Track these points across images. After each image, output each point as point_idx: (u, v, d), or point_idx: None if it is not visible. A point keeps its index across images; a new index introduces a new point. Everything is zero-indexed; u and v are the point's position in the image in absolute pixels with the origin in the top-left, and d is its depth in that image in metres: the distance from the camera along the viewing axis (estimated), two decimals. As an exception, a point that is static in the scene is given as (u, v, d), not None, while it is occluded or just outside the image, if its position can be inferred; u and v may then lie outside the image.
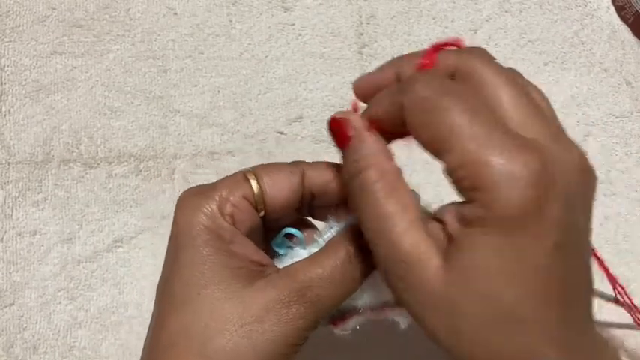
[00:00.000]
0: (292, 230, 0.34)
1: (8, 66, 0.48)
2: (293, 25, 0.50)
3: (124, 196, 0.46)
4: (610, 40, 0.52)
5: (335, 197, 0.33)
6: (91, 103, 0.48)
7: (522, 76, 0.29)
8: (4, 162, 0.46)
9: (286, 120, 0.48)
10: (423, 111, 0.25)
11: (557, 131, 0.27)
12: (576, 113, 0.50)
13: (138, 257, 0.45)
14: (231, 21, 0.50)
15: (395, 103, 0.27)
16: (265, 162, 0.47)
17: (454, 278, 0.24)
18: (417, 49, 0.50)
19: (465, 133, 0.24)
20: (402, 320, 0.32)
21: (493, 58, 0.28)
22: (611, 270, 0.47)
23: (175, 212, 0.31)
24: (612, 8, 0.52)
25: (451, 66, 0.27)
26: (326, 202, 0.33)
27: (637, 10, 0.50)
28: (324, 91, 0.49)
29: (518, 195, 0.22)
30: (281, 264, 0.32)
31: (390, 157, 0.29)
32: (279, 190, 0.32)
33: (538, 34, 0.51)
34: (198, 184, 0.47)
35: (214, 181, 0.33)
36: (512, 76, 0.27)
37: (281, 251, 0.34)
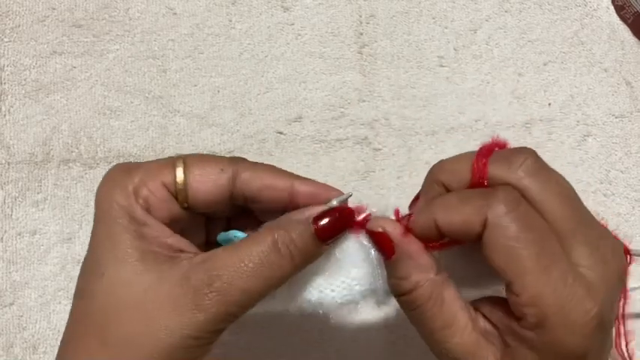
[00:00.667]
0: (237, 233, 0.32)
1: (8, 66, 0.48)
2: (293, 24, 0.50)
3: (123, 196, 0.46)
4: (610, 40, 0.52)
5: (271, 205, 0.32)
6: (91, 103, 0.48)
7: (563, 180, 0.30)
8: (3, 162, 0.46)
9: (286, 120, 0.48)
10: (506, 238, 0.27)
11: (604, 251, 0.29)
12: (576, 113, 0.50)
13: (137, 257, 0.45)
14: (230, 21, 0.50)
15: (478, 217, 0.27)
16: (265, 162, 0.48)
17: None
18: (417, 49, 0.50)
19: (540, 280, 0.26)
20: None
21: (540, 168, 0.29)
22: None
23: (99, 185, 0.31)
24: (612, 8, 0.52)
25: (501, 182, 0.29)
26: (262, 208, 0.32)
27: (637, 10, 0.50)
28: (324, 91, 0.49)
29: (576, 340, 0.26)
30: None
31: (434, 266, 0.29)
32: (205, 185, 0.31)
33: (538, 34, 0.51)
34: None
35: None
36: (559, 188, 0.29)
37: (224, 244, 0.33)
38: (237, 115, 0.48)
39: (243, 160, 0.32)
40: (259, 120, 0.48)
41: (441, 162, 0.31)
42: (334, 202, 0.31)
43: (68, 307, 0.44)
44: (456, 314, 0.28)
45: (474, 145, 0.48)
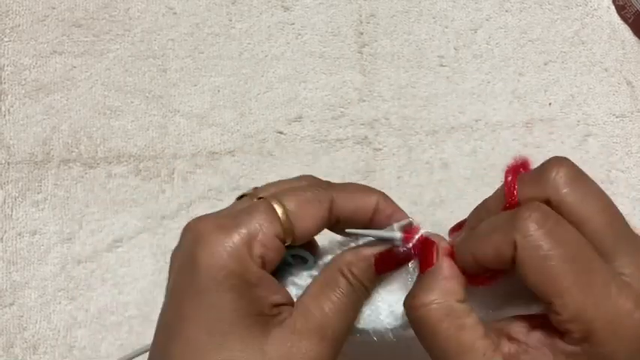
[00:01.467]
0: (302, 252, 0.32)
1: (8, 65, 0.48)
2: (293, 24, 0.50)
3: (123, 195, 0.46)
4: (610, 40, 0.52)
5: (358, 223, 0.31)
6: (91, 103, 0.47)
7: (597, 188, 0.29)
8: (3, 162, 0.46)
9: (286, 120, 0.48)
10: (538, 258, 0.26)
11: None
12: (576, 113, 0.50)
13: (137, 257, 0.45)
14: (230, 20, 0.50)
15: (507, 242, 0.27)
16: (265, 162, 0.48)
17: None
18: (417, 49, 0.50)
19: (581, 297, 0.25)
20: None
21: (575, 177, 0.28)
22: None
23: (195, 246, 0.28)
24: (613, 8, 0.52)
25: (535, 198, 0.28)
26: (349, 226, 0.32)
27: (637, 10, 0.50)
28: (324, 91, 0.49)
29: (626, 354, 0.25)
30: (279, 276, 0.31)
31: (458, 294, 0.28)
32: (309, 221, 0.30)
33: (538, 34, 0.51)
34: (198, 184, 0.47)
35: (228, 205, 0.31)
36: (597, 197, 0.28)
37: (292, 260, 0.32)
38: (238, 115, 0.48)
39: (332, 185, 0.32)
40: (259, 120, 0.48)
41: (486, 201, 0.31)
42: (395, 227, 0.31)
43: (68, 307, 0.44)
44: (475, 342, 0.27)
45: (474, 146, 0.49)
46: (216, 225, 0.28)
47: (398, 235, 0.30)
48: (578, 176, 0.28)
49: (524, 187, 0.28)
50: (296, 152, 0.48)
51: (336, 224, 0.31)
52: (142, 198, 0.46)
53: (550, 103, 0.50)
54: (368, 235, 0.31)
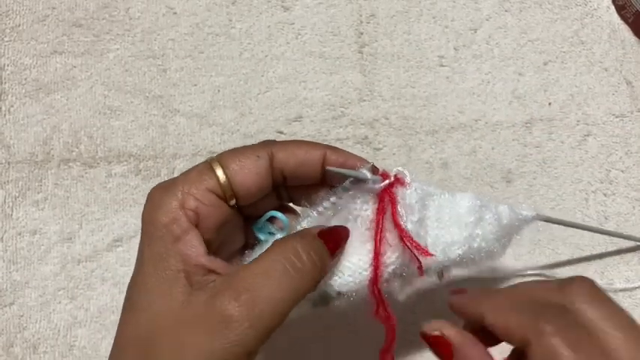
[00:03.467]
0: (277, 214, 0.33)
1: (8, 65, 0.48)
2: (293, 24, 0.50)
3: (123, 195, 0.46)
4: (610, 40, 0.52)
5: (307, 178, 0.32)
6: (91, 103, 0.48)
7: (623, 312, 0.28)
8: (3, 161, 0.46)
9: (286, 119, 0.48)
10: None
11: None
12: (576, 113, 0.50)
13: (138, 257, 0.45)
14: (230, 20, 0.50)
15: (522, 328, 0.27)
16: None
17: None
18: (417, 49, 0.50)
19: None
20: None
21: (596, 296, 0.28)
22: (612, 269, 0.47)
23: (143, 208, 0.31)
24: (612, 7, 0.52)
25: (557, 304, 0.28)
26: (299, 183, 0.33)
27: (637, 10, 0.50)
28: (324, 91, 0.49)
29: None
30: (261, 250, 0.31)
31: None
32: (247, 175, 0.31)
33: (538, 34, 0.51)
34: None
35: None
36: (622, 320, 0.27)
37: (262, 236, 0.33)
38: (238, 115, 0.48)
39: (273, 141, 0.33)
40: (259, 119, 0.48)
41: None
42: (364, 171, 0.31)
43: (68, 307, 0.44)
44: None
45: (474, 145, 0.49)
46: (159, 186, 0.31)
47: (367, 173, 0.31)
48: (602, 296, 0.28)
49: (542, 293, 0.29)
50: (296, 152, 0.48)
51: (284, 180, 0.32)
52: (142, 198, 0.46)
53: (550, 103, 0.50)
54: (341, 174, 0.31)
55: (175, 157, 0.47)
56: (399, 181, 0.32)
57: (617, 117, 0.50)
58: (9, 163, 0.46)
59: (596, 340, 0.26)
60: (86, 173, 0.46)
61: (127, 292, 0.30)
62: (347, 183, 0.31)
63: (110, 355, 0.29)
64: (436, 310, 0.41)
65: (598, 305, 0.27)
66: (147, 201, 0.31)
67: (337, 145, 0.48)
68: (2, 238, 0.45)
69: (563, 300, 0.27)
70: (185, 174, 0.31)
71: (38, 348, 0.44)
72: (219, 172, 0.30)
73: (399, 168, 0.32)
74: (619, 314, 0.27)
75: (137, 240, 0.45)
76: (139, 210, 0.46)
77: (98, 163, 0.47)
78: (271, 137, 0.48)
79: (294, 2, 0.51)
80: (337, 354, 0.45)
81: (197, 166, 0.31)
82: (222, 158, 0.31)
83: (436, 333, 0.29)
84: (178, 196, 0.30)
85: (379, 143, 0.48)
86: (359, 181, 0.31)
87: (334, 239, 0.31)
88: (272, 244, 0.30)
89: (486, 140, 0.49)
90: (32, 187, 0.46)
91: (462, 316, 0.30)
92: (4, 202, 0.45)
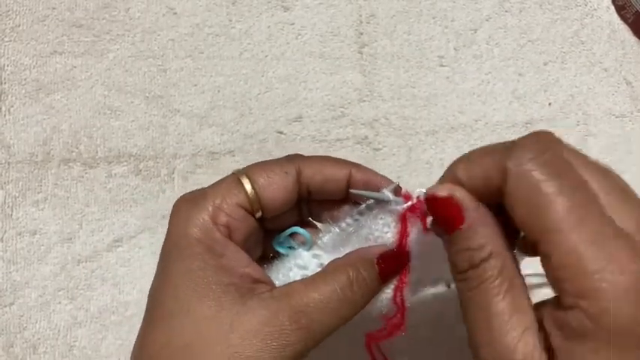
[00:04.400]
0: (299, 229, 0.33)
1: (8, 65, 0.48)
2: (293, 24, 0.50)
3: (123, 195, 0.46)
4: (610, 40, 0.52)
5: (331, 194, 0.32)
6: (91, 103, 0.48)
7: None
8: (4, 162, 0.46)
9: (286, 120, 0.48)
10: (529, 188, 0.23)
11: None
12: (576, 113, 0.50)
13: (138, 257, 0.45)
14: (230, 20, 0.50)
15: (497, 167, 0.24)
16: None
17: None
18: (417, 49, 0.50)
19: (574, 234, 0.21)
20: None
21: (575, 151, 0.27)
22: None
23: (169, 221, 0.30)
24: (612, 8, 0.52)
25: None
26: (323, 198, 0.33)
27: (637, 10, 0.50)
28: (324, 91, 0.49)
29: (631, 308, 0.20)
30: (282, 264, 0.32)
31: (506, 241, 0.25)
32: (275, 191, 0.31)
33: (538, 34, 0.51)
34: (198, 183, 0.47)
35: (214, 181, 0.32)
36: (603, 169, 0.26)
37: (282, 250, 0.33)
38: (238, 115, 0.48)
39: (300, 156, 0.33)
40: (259, 120, 0.48)
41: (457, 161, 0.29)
42: (386, 192, 0.31)
43: (68, 307, 0.44)
44: (521, 308, 0.24)
45: (474, 145, 0.49)
46: (187, 198, 0.31)
47: (389, 195, 0.31)
48: (578, 152, 0.27)
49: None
50: (296, 152, 0.48)
51: (309, 196, 0.32)
52: (142, 198, 0.46)
53: (550, 103, 0.50)
54: (364, 196, 0.31)
55: (175, 157, 0.47)
56: (421, 203, 0.31)
57: (617, 117, 0.50)
58: (9, 164, 0.46)
59: (575, 172, 0.24)
60: (86, 173, 0.46)
61: (150, 303, 0.30)
62: (370, 202, 0.31)
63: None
64: (444, 319, 0.41)
65: (571, 149, 0.26)
66: (175, 213, 0.31)
67: (337, 145, 0.48)
68: (2, 238, 0.45)
69: (536, 141, 0.26)
70: (214, 187, 0.31)
71: (38, 348, 0.43)
72: (248, 187, 0.31)
73: (422, 190, 0.30)
74: (585, 157, 0.26)
75: (137, 240, 0.46)
76: (139, 210, 0.46)
77: (98, 164, 0.47)
78: (271, 137, 0.48)
79: (294, 2, 0.51)
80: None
81: (225, 179, 0.31)
82: (250, 172, 0.31)
83: (445, 194, 0.26)
84: (209, 210, 0.30)
85: (379, 143, 0.48)
86: (381, 202, 0.31)
87: (391, 268, 0.31)
88: (328, 266, 0.30)
89: (486, 140, 0.49)
90: (32, 188, 0.46)
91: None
92: (4, 202, 0.45)
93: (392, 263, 0.31)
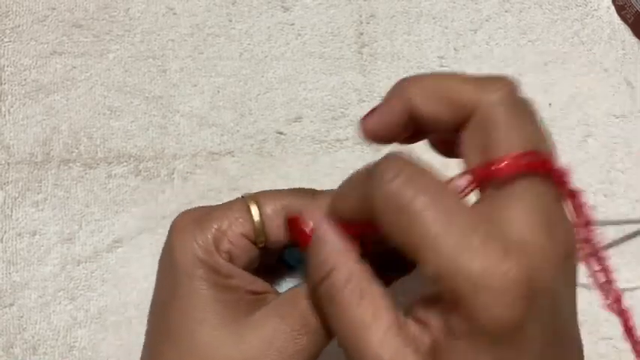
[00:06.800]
0: (296, 252, 0.31)
1: (8, 66, 0.48)
2: (293, 24, 0.50)
3: (123, 196, 0.46)
4: (610, 40, 0.52)
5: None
6: (91, 103, 0.47)
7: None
8: (3, 162, 0.46)
9: (286, 120, 0.48)
10: (393, 211, 0.23)
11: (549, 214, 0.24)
12: (576, 113, 0.50)
13: (138, 257, 0.45)
14: (230, 21, 0.50)
15: (365, 196, 0.24)
16: (265, 162, 0.48)
17: None
18: (417, 49, 0.50)
19: (440, 242, 0.22)
20: None
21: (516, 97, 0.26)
22: (613, 273, 0.47)
23: (172, 237, 0.30)
24: (612, 8, 0.52)
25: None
26: None
27: (637, 10, 0.50)
28: (324, 91, 0.49)
29: (499, 311, 0.21)
30: (294, 276, 0.31)
31: (356, 255, 0.26)
32: (282, 224, 0.30)
33: (538, 34, 0.51)
34: (197, 184, 0.47)
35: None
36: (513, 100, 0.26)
37: (291, 262, 0.33)
38: (237, 115, 0.48)
39: (312, 191, 0.31)
40: (259, 120, 0.48)
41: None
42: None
43: (68, 308, 0.44)
44: (379, 312, 0.24)
45: (474, 146, 0.49)
46: (192, 218, 0.30)
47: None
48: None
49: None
50: (296, 153, 0.48)
51: None
52: (142, 198, 0.46)
53: (550, 104, 0.50)
54: None
55: (175, 157, 0.47)
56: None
57: (617, 118, 0.50)
58: (8, 164, 0.46)
59: (432, 180, 0.24)
60: (86, 174, 0.46)
61: (156, 323, 0.30)
62: None
63: None
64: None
65: (509, 111, 0.26)
66: (179, 230, 0.30)
67: (337, 145, 0.48)
68: (2, 239, 0.45)
69: (479, 98, 0.26)
70: (220, 210, 0.30)
71: (38, 349, 0.43)
72: (256, 217, 0.30)
73: None
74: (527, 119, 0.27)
75: (137, 241, 0.45)
76: (139, 211, 0.46)
77: (98, 164, 0.47)
78: (271, 138, 0.48)
79: (294, 3, 0.51)
80: None
81: (234, 203, 0.30)
82: (262, 202, 0.30)
83: (294, 214, 0.28)
84: (213, 233, 0.29)
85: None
86: None
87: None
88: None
89: (486, 141, 0.49)
90: (32, 188, 0.46)
91: (382, 131, 0.28)
92: (4, 202, 0.45)
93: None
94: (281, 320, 0.28)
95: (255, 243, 0.30)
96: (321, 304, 0.26)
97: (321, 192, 0.31)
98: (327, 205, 0.27)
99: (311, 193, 0.31)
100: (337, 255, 0.26)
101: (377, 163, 0.25)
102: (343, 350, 0.25)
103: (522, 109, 0.27)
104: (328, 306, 0.26)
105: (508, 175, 0.24)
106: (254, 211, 0.30)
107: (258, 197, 0.30)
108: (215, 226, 0.29)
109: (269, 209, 0.30)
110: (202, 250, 0.29)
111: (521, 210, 0.23)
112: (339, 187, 0.27)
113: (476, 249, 0.21)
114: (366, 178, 0.25)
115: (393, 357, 0.23)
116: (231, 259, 0.29)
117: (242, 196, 0.31)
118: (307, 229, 0.27)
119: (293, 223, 0.28)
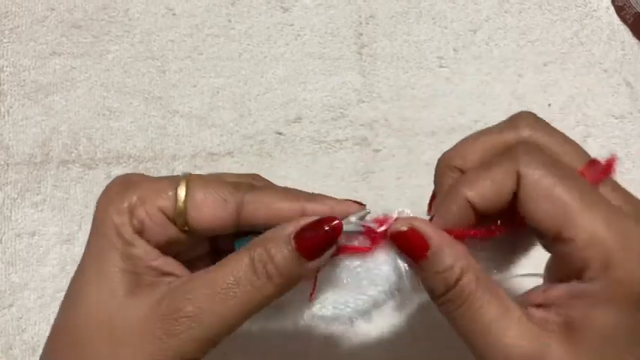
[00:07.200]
0: (249, 238, 0.30)
1: (7, 67, 0.48)
2: (292, 25, 0.50)
3: (122, 197, 0.46)
4: (610, 41, 0.52)
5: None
6: (90, 104, 0.47)
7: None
8: (2, 163, 0.46)
9: (285, 120, 0.48)
10: (546, 186, 0.26)
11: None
12: (576, 114, 0.50)
13: (137, 258, 0.45)
14: (230, 21, 0.50)
15: (510, 176, 0.26)
16: (264, 163, 0.48)
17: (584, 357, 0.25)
18: (416, 50, 0.50)
19: (592, 216, 0.25)
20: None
21: (542, 123, 0.30)
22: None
23: (100, 197, 0.29)
24: (612, 9, 0.52)
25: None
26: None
27: (636, 11, 0.50)
28: (323, 92, 0.49)
29: None
30: None
31: (470, 255, 0.27)
32: (205, 215, 0.29)
33: (538, 35, 0.51)
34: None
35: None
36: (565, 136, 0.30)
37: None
38: (237, 116, 0.48)
39: (250, 186, 0.30)
40: (258, 120, 0.48)
41: (447, 152, 0.31)
42: (352, 219, 0.29)
43: (67, 309, 0.44)
44: (507, 306, 0.26)
45: (473, 146, 0.49)
46: (121, 182, 0.30)
47: (353, 222, 0.29)
48: (544, 123, 0.29)
49: (496, 136, 0.29)
50: (295, 153, 0.48)
51: (252, 227, 0.30)
52: (142, 199, 0.46)
53: (549, 104, 0.50)
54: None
55: (175, 158, 0.47)
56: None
57: (616, 118, 0.50)
58: (8, 165, 0.46)
59: (560, 161, 0.27)
60: (85, 175, 0.46)
61: (70, 284, 0.29)
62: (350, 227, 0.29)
63: (43, 351, 0.29)
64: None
65: (546, 132, 0.29)
66: (105, 192, 0.29)
67: (336, 146, 0.48)
68: (1, 239, 0.45)
69: (519, 136, 0.28)
70: (148, 181, 0.30)
71: (37, 350, 0.43)
72: (180, 197, 0.29)
73: (405, 209, 0.30)
74: (561, 135, 0.29)
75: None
76: (138, 211, 0.46)
77: (97, 165, 0.47)
78: (271, 138, 0.48)
79: (293, 3, 0.51)
80: None
81: (167, 178, 0.30)
82: (192, 183, 0.29)
83: (405, 228, 0.27)
84: (132, 199, 0.28)
85: (378, 144, 0.48)
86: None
87: (313, 244, 0.28)
88: (237, 250, 0.28)
89: (486, 141, 0.49)
90: (31, 189, 0.46)
91: (450, 216, 0.28)
92: (3, 203, 0.45)
93: (316, 236, 0.27)
94: (155, 303, 0.27)
95: (175, 223, 0.29)
96: (446, 311, 0.27)
97: (256, 187, 0.30)
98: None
99: (242, 187, 0.29)
100: (464, 259, 0.27)
101: (519, 146, 0.27)
102: (472, 348, 0.26)
103: (551, 141, 0.29)
104: (456, 309, 0.26)
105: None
106: (180, 191, 0.29)
107: (193, 179, 0.29)
108: (137, 195, 0.29)
109: (197, 195, 0.29)
110: (116, 212, 0.28)
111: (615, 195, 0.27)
112: (468, 175, 0.28)
113: (621, 218, 0.25)
114: (509, 158, 0.27)
115: (534, 342, 0.25)
116: (143, 229, 0.28)
117: (182, 174, 0.30)
118: (426, 241, 0.27)
119: (406, 236, 0.27)
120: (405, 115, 0.49)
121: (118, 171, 0.46)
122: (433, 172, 0.48)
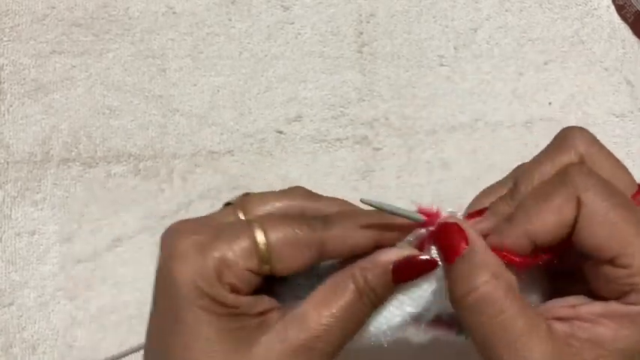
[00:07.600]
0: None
1: (7, 65, 0.47)
2: (292, 23, 0.50)
3: (123, 195, 0.46)
4: (610, 39, 0.52)
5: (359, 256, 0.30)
6: (90, 103, 0.47)
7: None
8: (2, 161, 0.46)
9: (286, 119, 0.48)
10: (605, 210, 0.26)
11: None
12: (576, 112, 0.50)
13: (137, 257, 0.45)
14: (230, 20, 0.50)
15: (570, 204, 0.26)
16: (265, 162, 0.47)
17: None
18: (417, 48, 0.50)
19: None
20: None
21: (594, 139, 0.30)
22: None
23: (171, 263, 0.28)
24: (612, 7, 0.52)
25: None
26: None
27: (637, 9, 0.50)
28: (324, 90, 0.49)
29: None
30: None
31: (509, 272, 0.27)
32: (289, 264, 0.28)
33: (538, 33, 0.51)
34: (197, 183, 0.47)
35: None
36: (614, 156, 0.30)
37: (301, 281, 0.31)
38: (237, 115, 0.48)
39: (324, 222, 0.29)
40: (259, 119, 0.48)
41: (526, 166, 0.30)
42: (410, 239, 0.30)
43: (67, 307, 0.44)
44: (536, 318, 0.26)
45: (474, 145, 0.49)
46: (193, 244, 0.28)
47: (418, 216, 0.29)
48: (595, 140, 0.29)
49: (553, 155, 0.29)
50: (295, 152, 0.48)
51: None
52: (142, 198, 0.46)
53: (550, 103, 0.50)
54: (386, 210, 0.29)
55: (175, 156, 0.47)
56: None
57: (617, 117, 0.50)
58: (8, 163, 0.46)
59: (616, 186, 0.27)
60: (85, 173, 0.46)
61: (154, 352, 0.29)
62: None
63: None
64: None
65: (602, 154, 0.29)
66: (176, 254, 0.28)
67: (337, 144, 0.48)
68: (1, 238, 0.45)
69: (571, 158, 0.28)
70: (225, 240, 0.28)
71: (37, 348, 0.43)
72: (263, 249, 0.28)
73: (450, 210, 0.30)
74: (614, 158, 0.29)
75: (137, 240, 0.45)
76: (138, 210, 0.46)
77: (97, 163, 0.47)
78: (271, 137, 0.48)
79: (293, 2, 0.51)
80: None
81: (239, 233, 0.28)
82: (269, 231, 0.28)
83: (453, 221, 0.28)
84: (216, 263, 0.27)
85: (379, 143, 0.48)
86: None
87: (409, 274, 0.29)
88: (336, 276, 0.29)
89: (486, 140, 0.49)
90: (31, 187, 0.46)
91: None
92: (3, 202, 0.45)
93: (409, 268, 0.29)
94: (286, 346, 0.27)
95: (259, 273, 0.29)
96: (468, 315, 0.26)
97: (331, 227, 0.29)
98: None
99: (318, 228, 0.29)
100: (497, 266, 0.27)
101: (572, 170, 0.27)
102: (490, 358, 0.26)
103: (605, 164, 0.29)
104: (480, 315, 0.26)
105: None
106: (261, 241, 0.28)
107: (265, 223, 0.28)
108: (218, 256, 0.27)
109: (276, 239, 0.28)
110: (204, 281, 0.27)
111: None
112: (524, 207, 0.28)
113: None
114: (564, 186, 0.27)
115: (560, 356, 0.25)
116: (234, 289, 0.28)
117: (248, 221, 0.29)
118: (466, 238, 0.27)
119: (450, 229, 0.28)
120: (406, 114, 0.49)
121: (118, 170, 0.46)
122: (433, 171, 0.48)
